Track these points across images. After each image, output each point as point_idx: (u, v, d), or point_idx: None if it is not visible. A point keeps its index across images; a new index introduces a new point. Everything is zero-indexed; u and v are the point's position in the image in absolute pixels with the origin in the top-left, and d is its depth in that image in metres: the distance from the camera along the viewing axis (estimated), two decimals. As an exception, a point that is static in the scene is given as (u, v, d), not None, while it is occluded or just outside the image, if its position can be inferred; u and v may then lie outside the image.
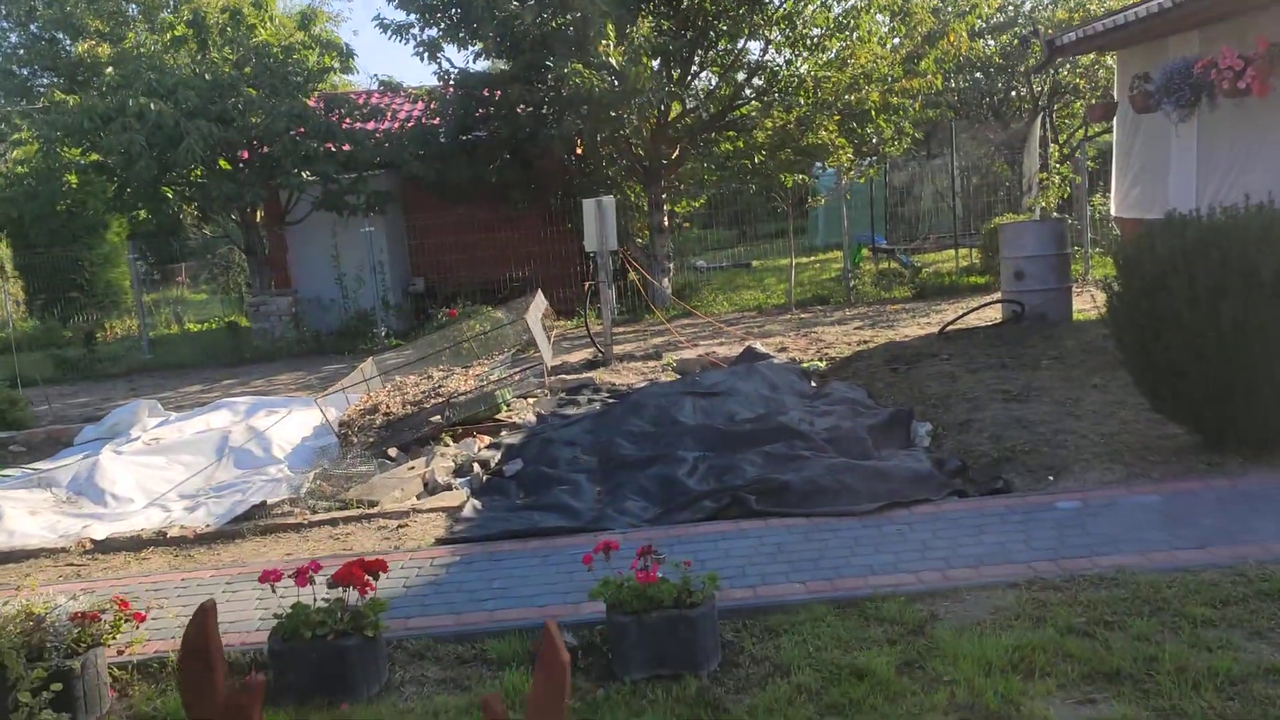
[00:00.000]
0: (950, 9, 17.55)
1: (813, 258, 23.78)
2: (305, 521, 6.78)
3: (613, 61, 13.95)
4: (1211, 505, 5.18)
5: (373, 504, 7.01)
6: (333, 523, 6.74)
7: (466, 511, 6.67)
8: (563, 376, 11.52)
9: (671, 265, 18.22)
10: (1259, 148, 8.88)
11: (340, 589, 4.30)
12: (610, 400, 9.85)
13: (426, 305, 17.64)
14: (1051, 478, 6.12)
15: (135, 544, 6.67)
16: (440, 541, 6.14)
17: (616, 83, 14.38)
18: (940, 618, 4.29)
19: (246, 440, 8.82)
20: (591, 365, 12.14)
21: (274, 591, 4.30)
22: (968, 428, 7.56)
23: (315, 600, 4.34)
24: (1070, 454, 6.42)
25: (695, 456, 7.14)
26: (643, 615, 4.14)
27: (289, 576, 4.33)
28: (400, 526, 6.55)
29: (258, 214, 18.33)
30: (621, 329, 15.61)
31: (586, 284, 13.49)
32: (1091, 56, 18.53)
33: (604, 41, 13.74)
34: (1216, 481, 5.51)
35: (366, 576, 4.30)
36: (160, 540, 6.69)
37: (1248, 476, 5.56)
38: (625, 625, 4.15)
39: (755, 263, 22.96)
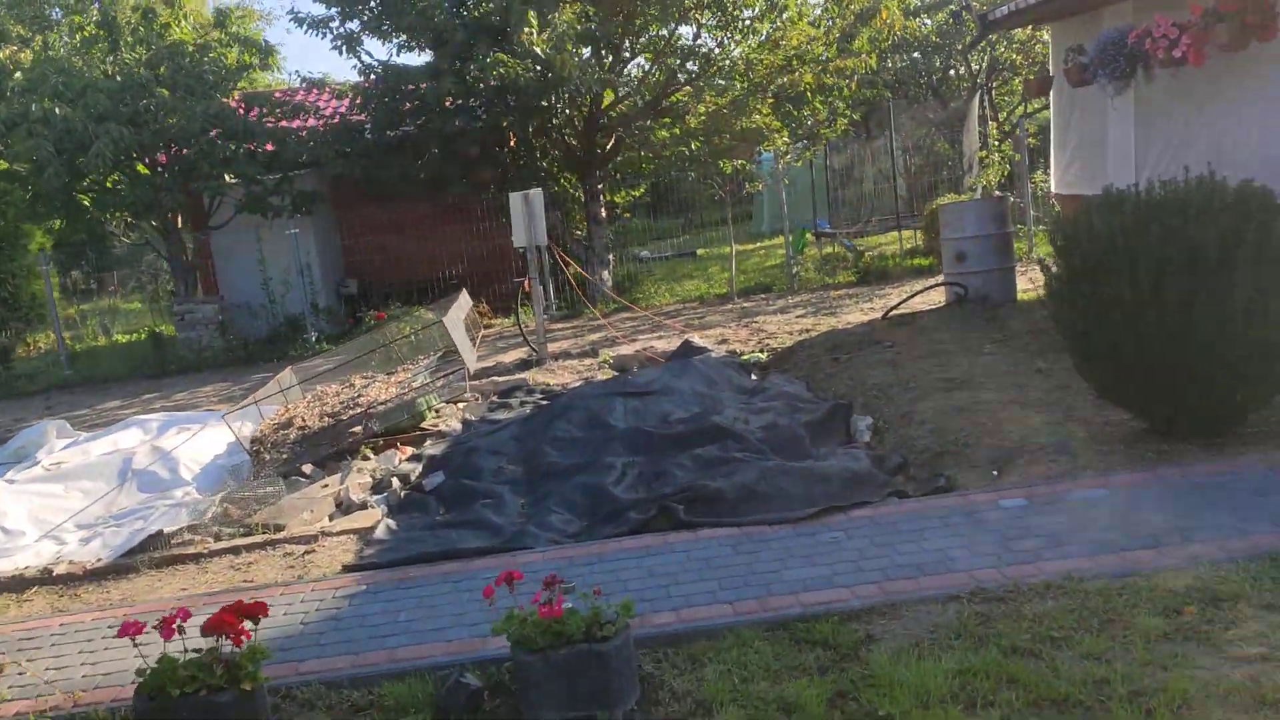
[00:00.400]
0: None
1: (758, 244, 23.46)
2: (205, 551, 6.29)
3: (538, 50, 13.47)
4: (1162, 499, 4.88)
5: (279, 528, 6.54)
6: (235, 551, 6.26)
7: (379, 532, 6.22)
8: (495, 378, 11.07)
9: (611, 257, 17.80)
10: (1197, 118, 8.65)
11: (214, 638, 3.85)
12: (543, 402, 9.43)
13: (360, 307, 17.08)
14: (996, 472, 5.81)
15: (18, 584, 6.14)
16: (347, 568, 5.69)
17: (543, 72, 13.90)
18: (877, 638, 3.93)
19: (152, 461, 8.28)
20: (525, 365, 11.70)
21: (134, 645, 3.83)
22: (909, 420, 7.25)
23: (187, 650, 3.88)
24: (1015, 445, 6.12)
25: (624, 463, 6.75)
26: (550, 652, 3.74)
27: (153, 628, 3.86)
28: (307, 552, 6.09)
29: (179, 219, 17.63)
30: (560, 325, 15.18)
31: (518, 281, 13.02)
32: (1027, 31, 18.36)
33: (527, 30, 13.25)
34: (1167, 471, 5.22)
35: (243, 623, 3.85)
36: (46, 578, 6.16)
37: (1200, 464, 5.27)
38: (531, 664, 3.75)
39: (700, 251, 22.60)
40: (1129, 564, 4.22)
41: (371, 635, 4.63)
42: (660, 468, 6.54)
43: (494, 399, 10.06)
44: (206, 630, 3.80)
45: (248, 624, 3.88)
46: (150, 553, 6.33)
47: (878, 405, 7.84)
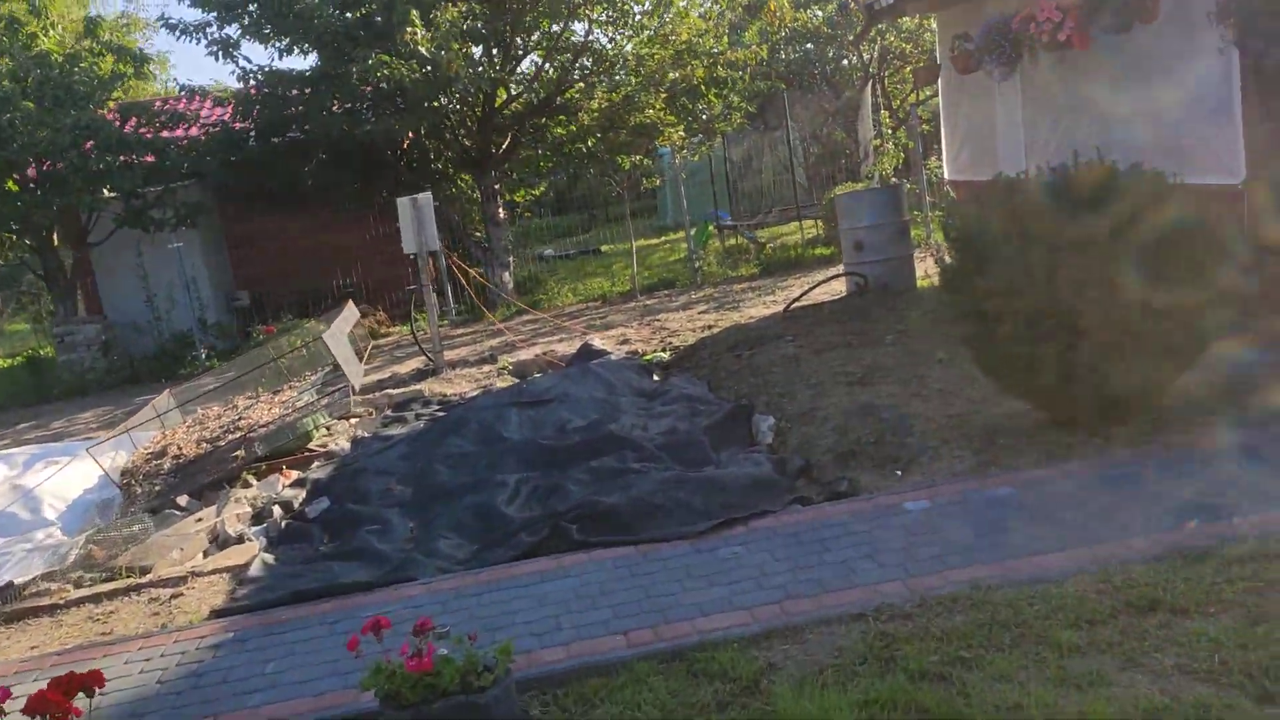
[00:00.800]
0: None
1: (662, 239, 23.27)
2: (62, 601, 5.76)
3: (423, 49, 12.97)
4: (1068, 495, 4.73)
5: (145, 570, 6.04)
6: (96, 599, 5.74)
7: (254, 569, 5.78)
8: (390, 391, 10.61)
9: (512, 259, 17.39)
10: (1083, 102, 8.65)
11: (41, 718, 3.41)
12: (439, 414, 9.03)
13: (253, 320, 16.38)
14: (899, 472, 5.63)
15: None
16: (215, 613, 5.24)
17: (431, 72, 13.42)
18: (778, 666, 3.68)
19: (11, 502, 7.65)
20: (422, 375, 11.26)
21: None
22: (811, 418, 7.05)
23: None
24: (918, 442, 5.95)
25: (518, 479, 6.41)
26: (422, 707, 3.40)
27: (-34, 711, 3.41)
28: (174, 596, 5.61)
29: (54, 236, 16.68)
30: (459, 331, 14.74)
31: (411, 289, 12.55)
32: (915, 20, 18.47)
33: (410, 29, 12.75)
34: (1071, 466, 5.09)
35: (74, 699, 3.42)
36: (-122, 644, 5.57)
37: (1103, 456, 5.16)
38: (404, 721, 3.40)
39: (604, 247, 22.30)
40: (1038, 569, 4.04)
41: (234, 692, 4.22)
42: (555, 483, 6.22)
43: (389, 413, 9.62)
44: (29, 711, 3.37)
45: (80, 699, 3.45)
46: (1, 605, 5.78)
47: (780, 403, 7.64)
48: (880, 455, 5.97)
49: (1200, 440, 5.11)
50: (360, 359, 10.77)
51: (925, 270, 11.52)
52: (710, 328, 11.47)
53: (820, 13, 21.12)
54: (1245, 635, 3.27)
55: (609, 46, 15.97)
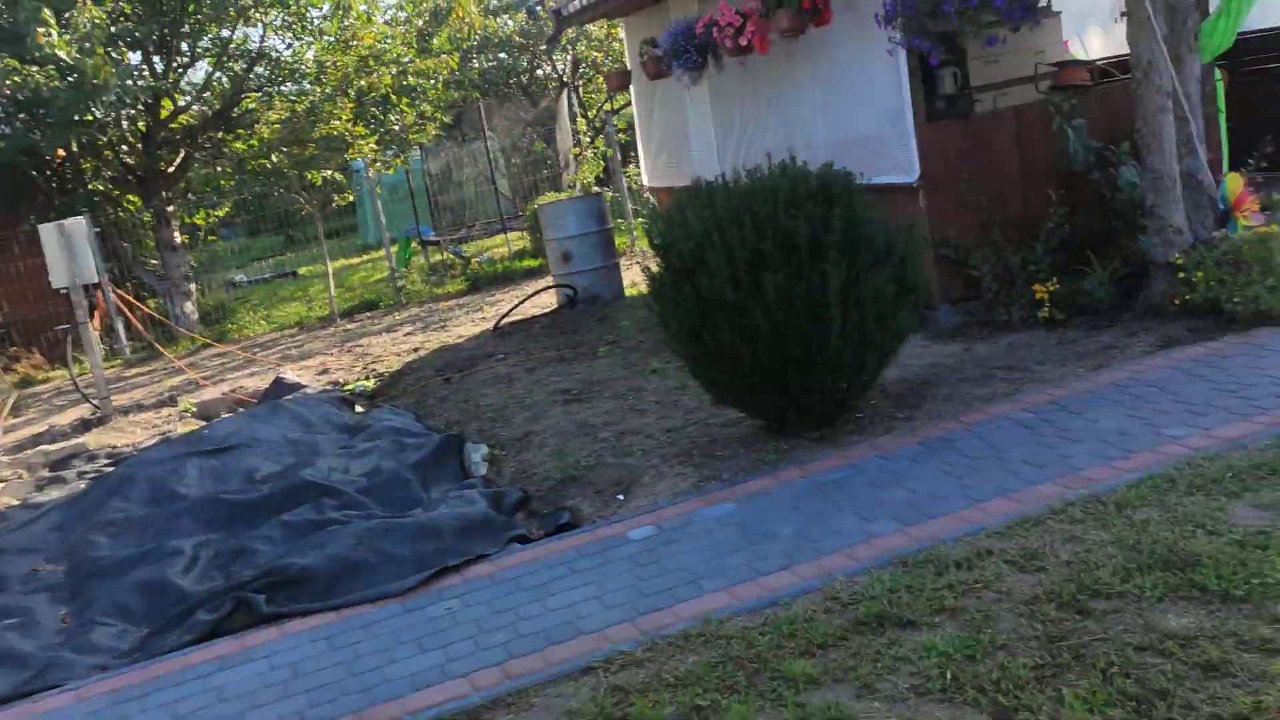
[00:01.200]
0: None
1: (364, 258, 22.21)
2: None
3: (61, 54, 11.45)
4: (788, 506, 4.61)
5: None
6: None
7: None
8: (45, 447, 9.22)
9: (194, 287, 15.86)
10: (769, 105, 8.81)
11: None
12: (108, 469, 7.90)
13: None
14: (622, 496, 5.35)
15: None
16: None
17: (75, 80, 11.88)
18: (501, 743, 3.25)
19: None
20: (87, 425, 9.90)
21: None
22: (528, 443, 6.68)
23: None
24: (639, 461, 5.71)
25: (196, 544, 5.58)
26: None
27: None
28: None
29: None
30: (134, 372, 13.23)
31: (63, 328, 11.06)
32: (604, 28, 18.62)
33: (43, 30, 11.21)
34: (788, 473, 4.99)
35: None
36: None
37: (817, 461, 5.10)
38: None
39: (302, 269, 20.95)
40: (767, 592, 3.85)
41: None
42: (241, 545, 5.46)
43: (44, 474, 8.33)
44: None
45: None
46: None
47: (495, 429, 7.22)
48: (602, 479, 5.67)
49: (903, 439, 5.17)
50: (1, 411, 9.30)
51: (632, 278, 11.48)
52: (417, 351, 10.87)
53: (511, 21, 20.91)
54: (971, 646, 3.19)
55: (287, 53, 14.91)
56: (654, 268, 5.66)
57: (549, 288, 11.40)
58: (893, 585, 3.64)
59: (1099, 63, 8.33)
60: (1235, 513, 3.65)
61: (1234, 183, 6.41)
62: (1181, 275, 6.02)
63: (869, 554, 3.98)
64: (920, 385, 5.98)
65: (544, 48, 19.94)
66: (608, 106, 21.01)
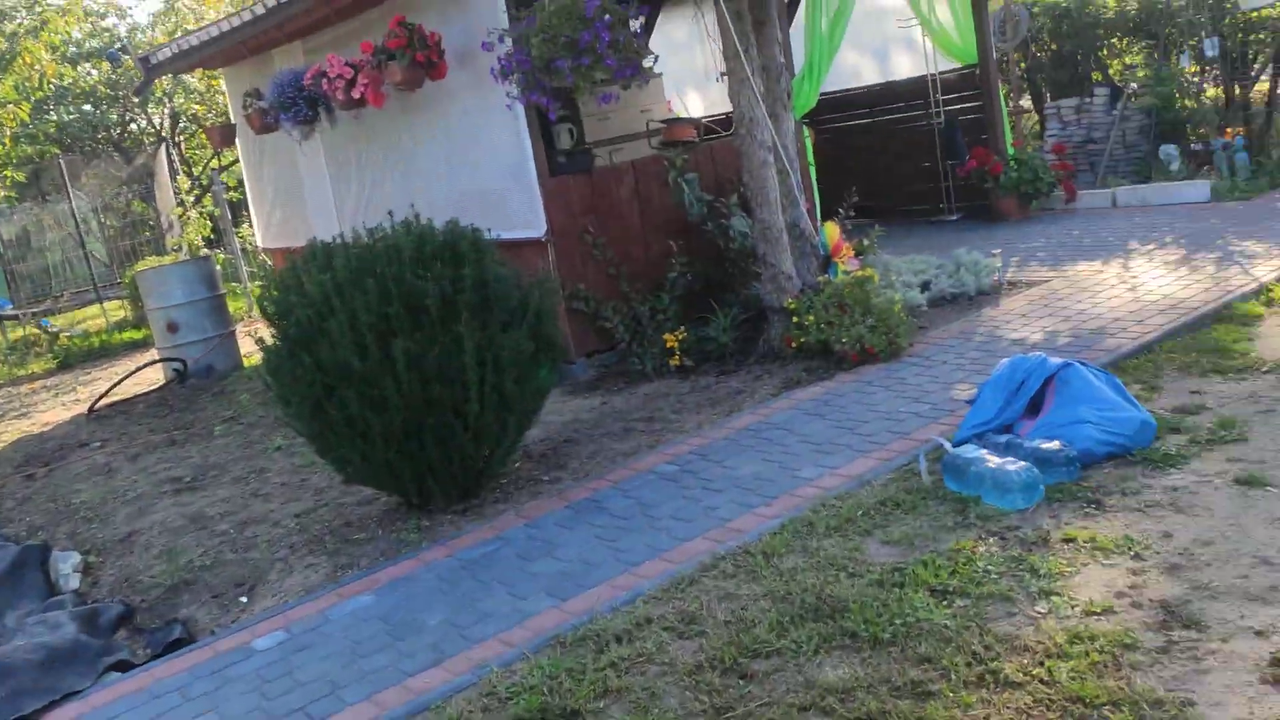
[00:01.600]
0: (20, 27, 14.71)
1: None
2: None
3: None
4: (434, 590, 4.25)
5: None
6: None
7: None
8: None
9: None
10: (389, 160, 8.46)
11: None
12: None
13: None
14: (245, 599, 4.72)
15: None
16: None
17: None
18: None
19: None
20: None
21: None
22: (132, 545, 5.82)
23: None
24: (264, 555, 5.10)
25: None
26: None
27: None
28: None
29: None
30: None
31: None
32: (204, 79, 17.34)
33: None
34: (432, 554, 4.62)
35: None
36: None
37: (463, 535, 4.78)
38: None
39: None
40: (416, 695, 3.46)
41: None
42: None
43: None
44: None
45: None
46: None
47: (90, 532, 6.24)
48: (221, 580, 5.00)
49: (551, 503, 4.99)
50: None
51: (250, 347, 10.58)
52: (-10, 444, 9.31)
53: (96, 70, 18.94)
54: (644, 729, 3.01)
55: None
56: (269, 338, 5.12)
57: (153, 363, 10.24)
58: (552, 671, 3.39)
59: (704, 120, 8.82)
60: (870, 551, 3.78)
61: (831, 230, 6.94)
62: (795, 319, 6.38)
63: (524, 637, 3.71)
64: (563, 443, 5.86)
65: (135, 99, 18.20)
66: (215, 163, 19.57)
